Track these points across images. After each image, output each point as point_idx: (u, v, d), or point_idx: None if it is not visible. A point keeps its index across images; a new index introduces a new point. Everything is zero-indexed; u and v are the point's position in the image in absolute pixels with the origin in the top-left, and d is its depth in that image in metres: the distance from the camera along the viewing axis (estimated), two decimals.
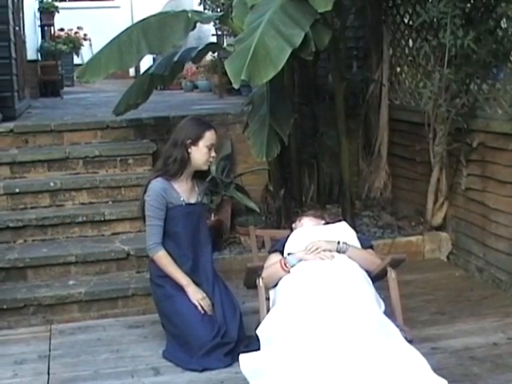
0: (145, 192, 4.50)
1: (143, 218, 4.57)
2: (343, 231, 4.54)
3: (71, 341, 4.80)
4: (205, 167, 4.56)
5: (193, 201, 4.57)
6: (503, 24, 5.50)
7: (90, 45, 13.44)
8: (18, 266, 5.35)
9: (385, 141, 7.06)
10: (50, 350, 4.65)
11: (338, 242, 4.26)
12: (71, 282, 5.33)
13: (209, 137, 4.48)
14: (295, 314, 3.68)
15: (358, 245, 4.44)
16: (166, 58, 6.54)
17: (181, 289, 4.44)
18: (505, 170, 5.47)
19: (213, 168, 6.26)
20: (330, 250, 4.21)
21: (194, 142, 4.44)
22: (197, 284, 4.47)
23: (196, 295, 4.43)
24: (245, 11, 5.59)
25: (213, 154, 4.52)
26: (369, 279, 4.19)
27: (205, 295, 4.46)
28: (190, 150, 4.44)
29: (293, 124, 5.88)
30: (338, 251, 4.24)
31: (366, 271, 4.24)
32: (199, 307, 4.39)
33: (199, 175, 4.63)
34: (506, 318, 4.96)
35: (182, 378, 4.21)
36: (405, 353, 3.42)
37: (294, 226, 4.83)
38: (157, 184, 4.44)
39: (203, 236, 4.66)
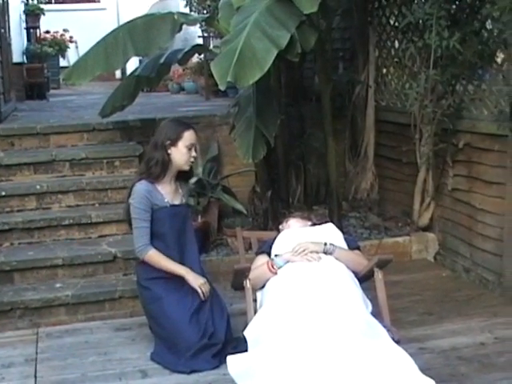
0: (129, 195, 4.51)
1: (129, 221, 4.57)
2: (330, 232, 4.55)
3: (58, 344, 4.79)
4: (186, 167, 4.55)
5: (177, 202, 4.57)
6: (488, 25, 5.53)
7: (76, 47, 13.40)
8: (5, 270, 5.32)
9: (371, 142, 7.08)
10: (37, 354, 4.63)
11: (325, 244, 4.27)
12: (58, 285, 5.31)
13: (187, 137, 4.48)
14: (282, 315, 3.68)
15: (345, 246, 4.45)
16: (152, 59, 6.53)
17: (168, 291, 4.43)
18: (491, 170, 5.50)
19: (199, 170, 6.26)
20: (317, 252, 4.22)
21: (173, 143, 4.44)
22: (184, 283, 4.46)
23: (197, 281, 4.43)
24: (231, 13, 5.59)
25: (193, 153, 4.52)
26: (356, 280, 4.20)
27: (205, 280, 4.48)
28: (169, 151, 4.45)
29: (279, 125, 5.88)
30: (325, 252, 4.24)
31: (353, 272, 4.25)
32: (200, 292, 4.39)
33: (182, 176, 4.64)
34: (493, 317, 4.98)
35: (170, 381, 4.21)
36: (392, 353, 3.42)
37: (281, 227, 4.84)
38: (141, 187, 4.44)
39: (189, 237, 4.66)
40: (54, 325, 5.09)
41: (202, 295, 4.40)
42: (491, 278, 5.56)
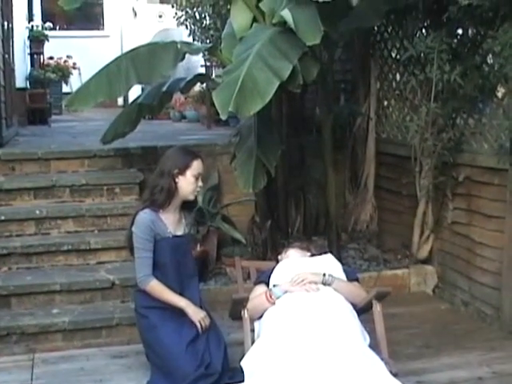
0: (132, 223, 4.45)
1: (130, 248, 4.53)
2: (329, 263, 4.54)
3: (54, 370, 4.76)
4: (191, 197, 4.52)
5: (179, 233, 4.53)
6: (489, 59, 5.57)
7: (79, 73, 13.42)
8: (2, 294, 5.30)
9: (371, 173, 7.10)
10: (32, 380, 4.60)
11: (324, 275, 4.25)
12: (55, 311, 5.29)
13: (196, 166, 4.45)
14: (280, 346, 3.67)
15: (344, 277, 4.43)
16: (154, 87, 6.56)
17: (165, 320, 4.40)
18: (490, 204, 5.50)
19: (199, 198, 6.25)
20: (316, 283, 4.21)
21: (182, 172, 4.41)
22: (182, 312, 4.44)
23: (197, 315, 4.39)
24: (233, 43, 5.63)
25: (199, 183, 4.49)
26: (354, 312, 4.18)
27: (205, 313, 4.44)
28: (177, 180, 4.40)
29: (280, 156, 5.90)
30: (324, 283, 4.23)
31: (352, 304, 4.24)
32: (199, 327, 4.35)
33: (186, 206, 4.60)
34: (491, 351, 4.96)
35: None
36: None
37: (280, 257, 4.83)
38: (145, 216, 4.39)
39: (190, 268, 4.63)
40: (50, 351, 5.06)
41: (200, 329, 4.37)
42: (490, 311, 5.55)
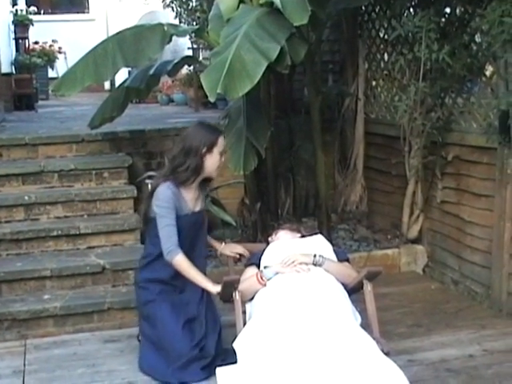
0: (150, 196, 4.39)
1: (145, 223, 4.52)
2: (319, 244, 4.54)
3: (46, 356, 4.76)
4: (215, 174, 4.51)
5: (197, 209, 4.52)
6: (477, 38, 5.58)
7: (65, 58, 13.33)
8: None
9: (360, 154, 7.11)
10: (24, 365, 4.60)
11: (315, 255, 4.26)
12: (46, 297, 5.29)
13: (221, 142, 4.43)
14: (271, 327, 3.68)
15: (334, 258, 4.44)
16: (141, 71, 6.51)
17: (165, 294, 4.40)
18: (480, 182, 5.52)
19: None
20: (307, 263, 4.22)
21: (209, 150, 4.37)
22: (182, 290, 4.45)
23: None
24: (221, 25, 5.59)
25: (222, 159, 4.48)
26: (345, 292, 4.19)
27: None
28: (204, 159, 4.37)
29: (269, 137, 5.88)
30: (315, 264, 4.24)
31: (343, 284, 4.25)
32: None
33: (203, 181, 4.56)
34: (481, 330, 5.00)
35: None
36: (382, 365, 3.42)
37: (270, 239, 4.83)
38: (168, 188, 4.32)
39: (201, 241, 4.61)
40: (42, 336, 5.07)
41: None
42: (480, 290, 5.58)
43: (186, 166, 4.34)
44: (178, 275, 4.39)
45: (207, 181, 4.63)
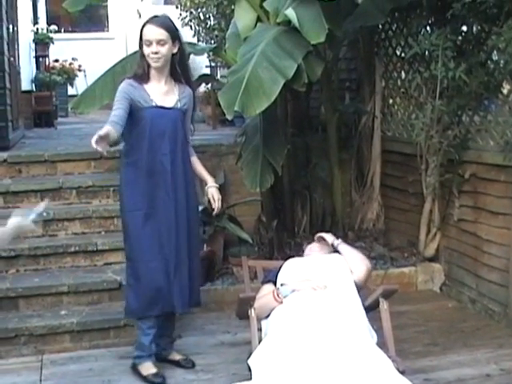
0: None
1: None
2: (336, 262, 4.54)
3: (62, 371, 4.77)
4: (152, 63, 4.41)
5: (168, 105, 4.48)
6: (494, 56, 5.57)
7: (85, 76, 13.43)
8: (10, 296, 5.32)
9: (377, 172, 7.09)
10: (41, 381, 4.62)
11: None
12: (63, 312, 5.31)
13: (145, 31, 4.40)
14: (287, 344, 3.68)
15: (351, 276, 4.44)
16: None
17: (147, 219, 4.47)
18: (497, 201, 5.50)
19: (205, 198, 6.26)
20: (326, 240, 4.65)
21: (141, 39, 4.42)
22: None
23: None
24: (238, 43, 5.64)
25: (154, 48, 4.35)
26: (362, 309, 4.19)
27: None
28: (142, 50, 4.42)
29: (285, 155, 5.90)
30: (333, 245, 4.59)
31: (355, 274, 4.43)
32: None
33: (175, 78, 4.55)
34: (498, 349, 4.96)
35: None
36: None
37: (304, 253, 4.86)
38: (125, 82, 4.44)
39: (181, 139, 4.56)
40: (59, 352, 5.08)
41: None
42: (497, 308, 5.54)
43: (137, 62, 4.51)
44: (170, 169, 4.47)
45: (175, 76, 4.55)
